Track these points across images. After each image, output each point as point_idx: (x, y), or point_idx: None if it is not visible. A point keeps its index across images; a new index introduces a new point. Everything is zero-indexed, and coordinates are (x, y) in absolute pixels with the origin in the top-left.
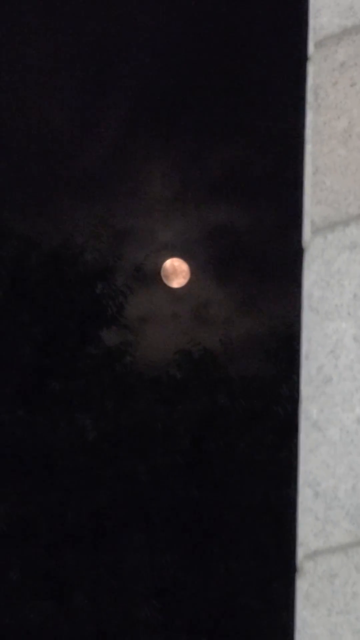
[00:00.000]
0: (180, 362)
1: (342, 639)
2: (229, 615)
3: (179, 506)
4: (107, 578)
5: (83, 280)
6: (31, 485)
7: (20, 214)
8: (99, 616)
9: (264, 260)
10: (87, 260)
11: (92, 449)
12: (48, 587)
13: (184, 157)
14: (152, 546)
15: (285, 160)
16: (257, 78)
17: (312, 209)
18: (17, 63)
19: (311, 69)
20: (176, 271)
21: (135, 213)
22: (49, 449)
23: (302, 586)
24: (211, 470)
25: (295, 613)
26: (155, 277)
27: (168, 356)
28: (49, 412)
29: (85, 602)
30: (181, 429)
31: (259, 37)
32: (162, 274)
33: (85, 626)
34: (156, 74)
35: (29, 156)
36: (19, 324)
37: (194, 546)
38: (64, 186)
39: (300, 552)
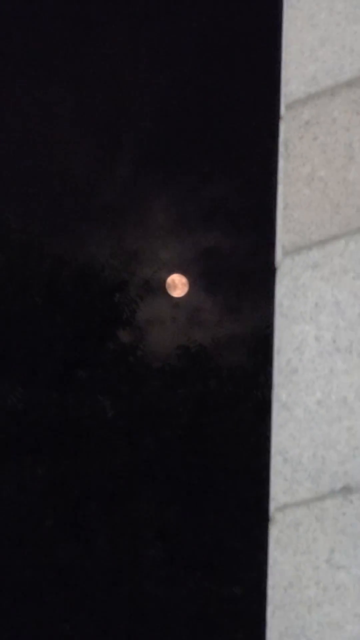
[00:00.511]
0: (180, 356)
1: (304, 574)
2: (218, 554)
3: (180, 469)
4: (122, 525)
5: (104, 291)
6: (63, 453)
7: (54, 239)
8: (116, 555)
9: (244, 276)
10: (106, 275)
11: (111, 424)
12: (75, 533)
13: (182, 193)
14: (158, 500)
15: (262, 198)
16: (241, 132)
17: (283, 236)
18: (45, 116)
19: (282, 126)
20: (177, 284)
21: (144, 237)
22: (77, 424)
23: (274, 532)
24: (204, 441)
25: (268, 553)
26: (160, 289)
27: (170, 351)
28: (77, 394)
29: (105, 544)
30: (181, 409)
31: (241, 101)
32: (166, 286)
33: (104, 563)
34: (159, 129)
35: (60, 192)
36: (53, 325)
37: (191, 500)
38: (88, 216)
39: (272, 506)
